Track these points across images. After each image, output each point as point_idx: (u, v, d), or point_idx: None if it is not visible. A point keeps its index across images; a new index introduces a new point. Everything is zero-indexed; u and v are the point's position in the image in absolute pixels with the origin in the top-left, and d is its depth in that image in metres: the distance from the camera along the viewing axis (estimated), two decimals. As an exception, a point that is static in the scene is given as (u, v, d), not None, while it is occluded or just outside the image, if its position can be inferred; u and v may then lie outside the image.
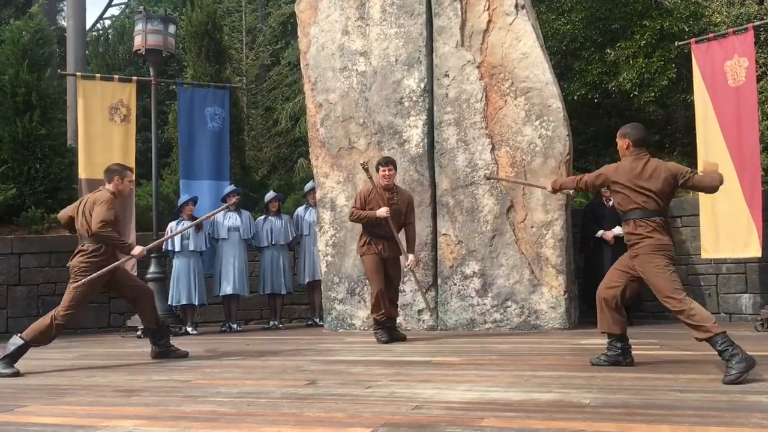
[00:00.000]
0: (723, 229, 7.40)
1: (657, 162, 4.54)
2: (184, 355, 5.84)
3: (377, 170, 6.68)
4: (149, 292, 5.91)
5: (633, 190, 4.44)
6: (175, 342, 7.12)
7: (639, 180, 4.44)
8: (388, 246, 6.61)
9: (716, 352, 4.08)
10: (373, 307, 6.60)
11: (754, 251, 7.19)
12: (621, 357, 4.60)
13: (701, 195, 7.55)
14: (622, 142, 4.63)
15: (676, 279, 4.36)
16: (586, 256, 8.10)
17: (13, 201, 9.35)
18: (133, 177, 6.12)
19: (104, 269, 5.40)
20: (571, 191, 5.87)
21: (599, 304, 4.67)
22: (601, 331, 4.69)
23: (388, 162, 6.70)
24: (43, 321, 5.37)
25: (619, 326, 4.61)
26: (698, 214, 7.69)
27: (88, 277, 5.35)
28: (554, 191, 5.19)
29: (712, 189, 4.56)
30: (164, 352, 5.82)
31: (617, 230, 7.70)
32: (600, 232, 7.79)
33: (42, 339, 5.34)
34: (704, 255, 7.66)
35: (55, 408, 3.74)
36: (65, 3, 15.43)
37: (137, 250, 5.59)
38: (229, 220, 8.63)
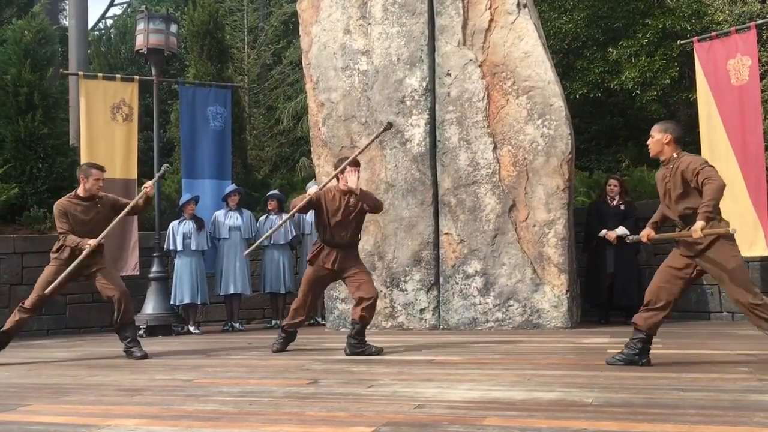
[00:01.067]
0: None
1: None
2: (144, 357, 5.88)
3: (343, 171, 5.81)
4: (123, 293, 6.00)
5: None
6: (178, 341, 7.13)
7: None
8: (342, 257, 5.80)
9: None
10: (288, 316, 6.07)
11: (761, 250, 7.17)
12: (638, 356, 4.53)
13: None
14: (662, 137, 4.59)
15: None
16: (589, 255, 8.09)
17: (16, 200, 9.36)
18: (100, 175, 6.15)
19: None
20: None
21: (652, 302, 4.53)
22: (633, 321, 4.61)
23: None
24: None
25: (654, 328, 4.54)
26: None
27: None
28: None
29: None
30: (126, 352, 5.97)
31: (620, 230, 7.70)
32: (603, 232, 7.79)
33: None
34: (708, 254, 7.63)
35: (58, 407, 3.74)
36: (67, 2, 15.44)
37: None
38: (231, 219, 8.64)
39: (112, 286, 5.87)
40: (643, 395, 3.56)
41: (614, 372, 4.33)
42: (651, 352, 4.62)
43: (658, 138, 4.62)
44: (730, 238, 4.43)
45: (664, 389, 3.71)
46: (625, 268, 7.74)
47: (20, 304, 5.86)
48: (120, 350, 6.07)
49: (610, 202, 7.94)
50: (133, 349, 5.91)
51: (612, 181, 8.00)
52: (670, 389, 3.71)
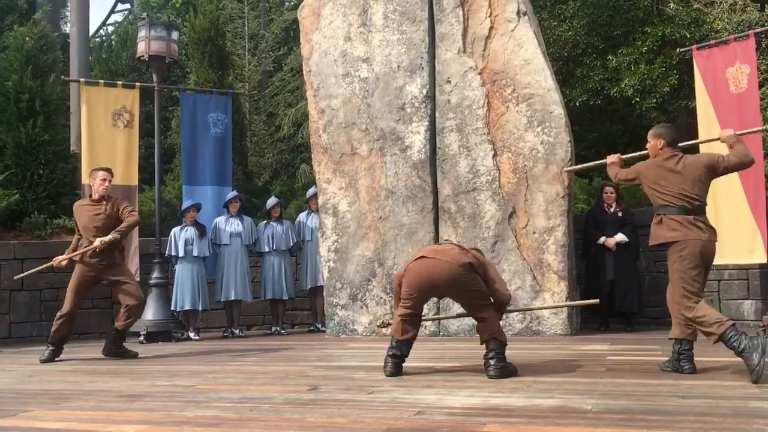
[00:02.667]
0: (727, 236, 7.37)
1: (691, 158, 4.60)
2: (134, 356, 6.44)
3: None
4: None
5: (661, 188, 4.54)
6: (178, 347, 7.15)
7: (667, 178, 4.52)
8: None
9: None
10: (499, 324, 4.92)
11: (760, 257, 7.19)
12: (685, 362, 4.54)
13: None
14: (655, 142, 4.65)
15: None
16: (588, 262, 8.10)
17: (17, 206, 9.37)
18: (105, 176, 6.49)
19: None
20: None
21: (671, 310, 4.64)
22: (670, 338, 4.66)
23: None
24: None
25: (691, 335, 4.57)
26: (701, 221, 7.68)
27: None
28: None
29: (746, 164, 4.62)
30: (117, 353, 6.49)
31: (619, 237, 7.72)
32: (602, 239, 7.80)
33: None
34: (709, 261, 7.64)
35: (58, 413, 3.76)
36: (69, 9, 15.49)
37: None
38: (231, 225, 8.65)
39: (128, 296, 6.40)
40: (643, 402, 3.57)
41: (613, 379, 4.35)
42: (650, 359, 4.63)
43: (653, 143, 4.71)
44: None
45: (663, 396, 3.73)
46: (624, 275, 7.74)
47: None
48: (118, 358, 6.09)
49: (607, 209, 7.95)
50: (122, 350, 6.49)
51: (608, 189, 8.01)
52: (669, 396, 3.72)
